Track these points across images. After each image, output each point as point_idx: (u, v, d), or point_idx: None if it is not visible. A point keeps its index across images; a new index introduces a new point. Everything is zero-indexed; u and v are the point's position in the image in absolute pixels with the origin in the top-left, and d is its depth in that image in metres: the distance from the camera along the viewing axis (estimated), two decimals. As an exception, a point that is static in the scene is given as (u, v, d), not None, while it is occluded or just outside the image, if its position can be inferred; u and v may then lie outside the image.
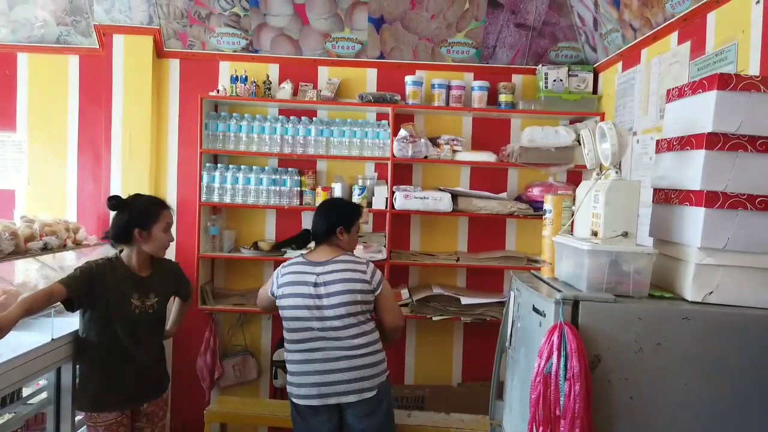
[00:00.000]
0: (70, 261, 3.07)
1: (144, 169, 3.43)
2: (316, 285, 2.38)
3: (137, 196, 2.47)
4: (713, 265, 1.55)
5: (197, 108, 3.31)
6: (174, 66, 3.53)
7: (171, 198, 3.53)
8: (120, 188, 3.41)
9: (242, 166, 3.39)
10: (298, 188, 3.41)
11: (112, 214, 2.43)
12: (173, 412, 3.56)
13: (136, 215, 2.37)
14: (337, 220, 2.49)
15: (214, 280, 3.57)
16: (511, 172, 3.58)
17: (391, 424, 2.52)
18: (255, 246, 3.41)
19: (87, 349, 2.38)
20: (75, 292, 2.25)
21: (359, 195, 3.35)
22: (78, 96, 3.54)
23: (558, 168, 3.35)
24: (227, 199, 3.35)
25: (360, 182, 3.43)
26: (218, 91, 3.40)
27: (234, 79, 3.36)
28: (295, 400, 2.44)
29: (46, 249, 2.77)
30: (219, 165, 3.43)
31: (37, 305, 2.14)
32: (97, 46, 3.44)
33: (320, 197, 3.36)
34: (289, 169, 3.42)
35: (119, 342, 2.35)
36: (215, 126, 3.36)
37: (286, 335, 2.45)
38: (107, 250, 3.33)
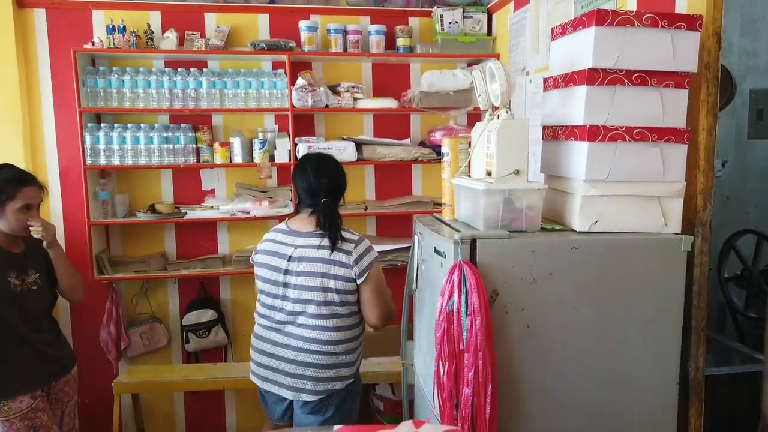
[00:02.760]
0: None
1: (16, 134, 3.10)
2: (290, 260, 2.07)
3: (4, 166, 2.25)
4: (597, 196, 1.63)
5: (71, 63, 3.00)
6: (39, 16, 3.16)
7: (52, 163, 3.24)
8: (-10, 156, 3.08)
9: (129, 125, 3.15)
10: (194, 145, 3.23)
11: None
12: (81, 389, 3.38)
13: None
14: (341, 187, 2.20)
15: (111, 248, 3.36)
16: (414, 117, 3.58)
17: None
18: (152, 209, 3.23)
19: None
20: None
21: (260, 149, 3.23)
22: (-74, 54, 3.11)
23: (458, 111, 3.39)
24: (116, 161, 3.12)
25: (260, 135, 3.30)
26: (93, 44, 3.10)
27: (111, 30, 3.07)
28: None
29: None
30: (103, 124, 3.16)
31: None
32: (-57, -5, 3.02)
33: (218, 154, 3.21)
34: (182, 125, 3.23)
35: (6, 324, 2.19)
36: (94, 82, 3.08)
37: (257, 304, 2.21)
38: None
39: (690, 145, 1.65)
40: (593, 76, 1.57)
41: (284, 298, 2.08)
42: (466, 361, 1.54)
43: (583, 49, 1.60)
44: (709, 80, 1.66)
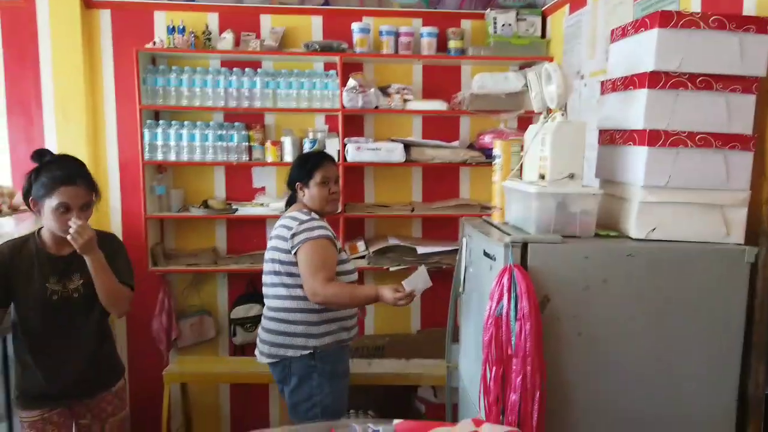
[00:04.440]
0: (8, 228, 2.92)
1: (80, 129, 3.24)
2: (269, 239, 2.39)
3: (56, 159, 2.04)
4: (656, 203, 1.59)
5: (133, 62, 3.12)
6: (105, 17, 3.30)
7: (112, 158, 3.37)
8: (56, 150, 3.22)
9: (186, 122, 3.25)
10: (246, 143, 3.30)
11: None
12: (131, 376, 3.51)
13: (34, 183, 1.96)
14: (295, 176, 2.39)
15: (165, 240, 3.47)
16: (463, 119, 3.56)
17: (310, 407, 2.26)
18: (205, 204, 3.32)
19: (17, 350, 2.10)
20: None
21: (310, 148, 3.27)
22: (1, 52, 3.29)
23: (509, 114, 3.35)
24: (172, 157, 3.22)
25: (310, 135, 3.35)
26: (154, 44, 3.21)
27: (171, 30, 3.18)
28: None
29: (-21, 216, 2.62)
30: (161, 121, 3.27)
31: None
32: (18, -3, 3.19)
33: (270, 152, 3.27)
34: (236, 123, 3.31)
35: (36, 333, 2.03)
36: (154, 80, 3.19)
37: None
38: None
39: (756, 153, 1.58)
40: (655, 79, 1.53)
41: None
42: (514, 367, 1.52)
43: (644, 52, 1.56)
44: (779, 85, 1.59)
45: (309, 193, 2.33)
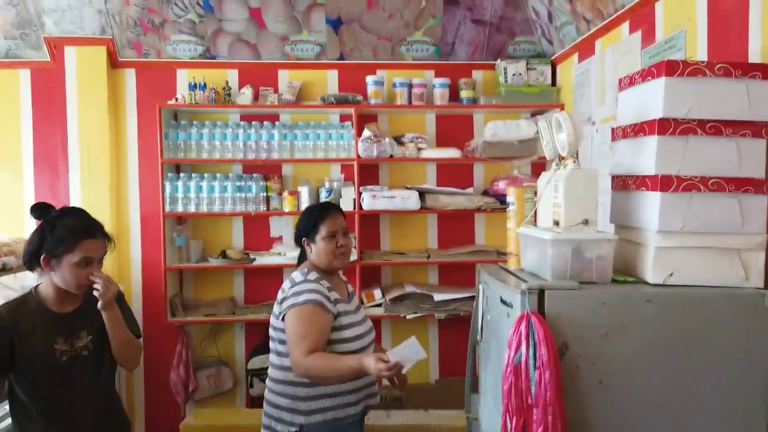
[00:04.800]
0: (31, 281, 2.97)
1: (104, 183, 3.35)
2: None
3: (67, 213, 1.94)
4: (671, 248, 1.58)
5: (156, 118, 3.24)
6: (130, 76, 3.46)
7: (134, 211, 3.46)
8: (80, 204, 3.33)
9: (205, 175, 3.34)
10: (264, 194, 3.37)
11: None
12: (148, 429, 3.48)
13: (48, 238, 1.85)
14: (301, 231, 2.13)
15: (183, 291, 3.51)
16: (477, 167, 3.61)
17: None
18: (223, 254, 3.37)
19: (16, 410, 1.93)
20: None
21: (326, 197, 3.33)
22: (31, 111, 3.44)
23: (522, 161, 3.39)
24: (192, 209, 3.30)
25: (327, 185, 3.42)
26: (177, 100, 3.35)
27: (192, 87, 3.31)
28: None
29: (4, 270, 2.68)
30: (181, 174, 3.37)
31: None
32: (49, 59, 3.35)
33: (287, 202, 3.33)
34: (254, 175, 3.39)
35: (45, 395, 1.90)
36: (176, 135, 3.30)
37: None
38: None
39: (771, 196, 1.58)
40: (664, 126, 1.56)
41: None
42: (534, 417, 1.49)
43: (652, 100, 1.59)
44: (789, 129, 1.61)
45: (315, 249, 2.08)
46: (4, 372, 1.88)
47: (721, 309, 1.54)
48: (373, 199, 3.29)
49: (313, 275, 2.05)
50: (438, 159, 3.44)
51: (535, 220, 1.87)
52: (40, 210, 1.92)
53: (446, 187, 3.47)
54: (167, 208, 3.27)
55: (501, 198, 3.37)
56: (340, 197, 3.36)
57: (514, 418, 1.53)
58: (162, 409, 3.44)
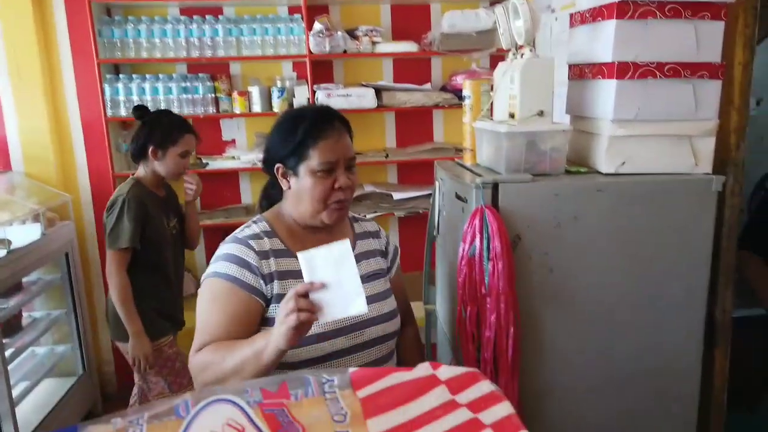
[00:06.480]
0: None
1: (37, 87, 3.11)
2: None
3: (163, 113, 2.42)
4: (625, 136, 1.58)
5: (86, 13, 2.96)
6: (52, -34, 3.12)
7: (74, 117, 3.26)
8: (14, 111, 3.12)
9: (147, 75, 3.13)
10: (212, 95, 3.21)
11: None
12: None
13: (155, 133, 2.28)
14: (272, 154, 1.42)
15: (136, 199, 3.41)
16: (434, 61, 3.49)
17: None
18: (174, 160, 3.24)
19: (136, 283, 2.29)
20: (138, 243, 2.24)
21: (279, 97, 3.20)
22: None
23: (480, 53, 3.29)
24: (136, 113, 3.12)
25: (278, 84, 3.26)
26: (108, -8, 3.05)
27: (124, -23, 3.02)
28: None
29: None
30: (121, 76, 3.15)
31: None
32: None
33: (237, 103, 3.18)
34: (200, 74, 3.20)
35: (163, 267, 2.37)
36: (110, 32, 3.05)
37: None
38: (11, 177, 3.10)
39: (724, 81, 1.57)
40: (623, 9, 1.49)
41: None
42: (488, 305, 1.54)
43: (612, -20, 1.52)
44: (747, 10, 1.56)
45: (296, 188, 1.37)
46: (137, 243, 2.23)
47: (670, 195, 1.57)
48: (328, 98, 3.17)
49: (262, 225, 1.39)
50: (394, 53, 3.30)
51: (491, 114, 1.83)
52: (141, 110, 2.37)
53: (403, 83, 3.36)
54: (109, 113, 3.08)
55: (459, 93, 3.30)
56: (294, 97, 3.23)
57: (469, 307, 1.57)
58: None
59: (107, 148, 3.08)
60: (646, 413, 1.66)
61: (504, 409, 0.54)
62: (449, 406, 0.54)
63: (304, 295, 1.12)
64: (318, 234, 1.41)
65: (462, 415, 0.53)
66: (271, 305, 1.32)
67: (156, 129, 2.29)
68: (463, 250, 1.56)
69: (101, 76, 3.04)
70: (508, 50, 1.78)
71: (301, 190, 1.36)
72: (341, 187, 1.36)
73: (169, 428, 0.47)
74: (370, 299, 1.32)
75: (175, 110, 3.13)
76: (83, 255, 3.34)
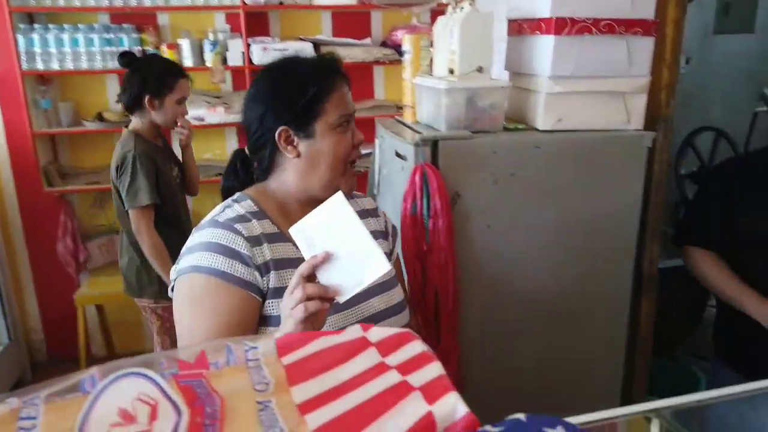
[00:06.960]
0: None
1: (-61, 36, 2.83)
2: None
3: (153, 58, 2.34)
4: (561, 93, 1.59)
5: (-9, -47, 2.70)
6: None
7: (-16, 69, 3.00)
8: None
9: (66, 26, 2.90)
10: (139, 47, 3.01)
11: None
12: (42, 306, 3.35)
13: (150, 81, 2.16)
14: (272, 113, 1.16)
15: (59, 158, 3.20)
16: (374, 15, 3.40)
17: None
18: (99, 117, 3.06)
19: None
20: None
21: (211, 51, 3.04)
22: None
23: (421, 8, 3.22)
24: (55, 66, 2.90)
25: (211, 36, 3.10)
26: (15, -69, 2.77)
27: None
28: None
29: None
30: (36, 25, 2.90)
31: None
32: None
33: (167, 56, 3.00)
34: (125, 25, 2.99)
35: (175, 218, 2.30)
36: (21, -24, 2.79)
37: None
38: None
39: (657, 38, 1.59)
40: (561, -37, 1.48)
41: None
42: (430, 261, 1.54)
43: (551, -68, 1.49)
44: (680, -32, 1.58)
45: (310, 151, 1.13)
46: (156, 198, 2.16)
47: (603, 152, 1.61)
48: (264, 52, 3.04)
49: (246, 205, 1.13)
50: (333, 6, 3.19)
51: (431, 70, 1.79)
52: (129, 57, 2.26)
53: (343, 38, 3.26)
54: (24, 66, 2.85)
55: (400, 49, 3.23)
56: (227, 50, 3.09)
57: (412, 264, 1.58)
58: (53, 281, 3.28)
59: (24, 104, 2.86)
60: (578, 354, 1.74)
61: (434, 370, 0.53)
62: (378, 369, 0.53)
63: (311, 278, 0.93)
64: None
65: (391, 378, 0.52)
66: (267, 301, 1.07)
67: (149, 77, 2.16)
68: (405, 208, 1.55)
69: (14, 26, 2.79)
70: (448, 3, 1.73)
71: (317, 153, 1.13)
72: (361, 142, 1.20)
73: (71, 407, 0.43)
74: (377, 290, 1.16)
75: (98, 64, 2.94)
76: (2, 216, 3.13)
